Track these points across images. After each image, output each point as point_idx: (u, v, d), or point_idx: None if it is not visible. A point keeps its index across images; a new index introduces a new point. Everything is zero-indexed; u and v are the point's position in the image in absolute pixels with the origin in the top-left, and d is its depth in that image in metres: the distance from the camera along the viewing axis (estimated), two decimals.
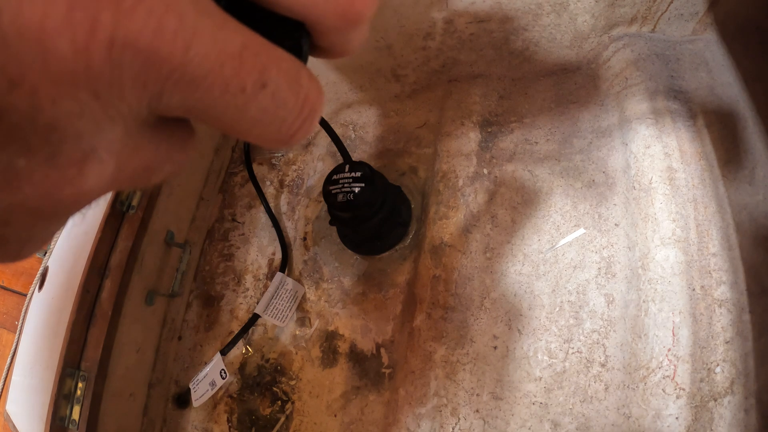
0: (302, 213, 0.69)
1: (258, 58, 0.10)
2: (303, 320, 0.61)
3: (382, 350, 0.56)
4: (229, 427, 0.58)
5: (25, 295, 0.68)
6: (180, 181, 0.66)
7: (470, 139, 0.59)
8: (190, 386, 0.58)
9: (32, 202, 0.10)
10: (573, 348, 0.46)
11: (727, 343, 0.40)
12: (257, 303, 0.61)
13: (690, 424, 0.38)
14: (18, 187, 0.09)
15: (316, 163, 0.72)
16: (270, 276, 0.66)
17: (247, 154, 0.69)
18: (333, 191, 0.52)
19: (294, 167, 0.74)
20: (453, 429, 0.46)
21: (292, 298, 0.61)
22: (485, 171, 0.57)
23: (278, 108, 0.11)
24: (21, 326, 0.65)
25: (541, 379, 0.46)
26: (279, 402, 0.58)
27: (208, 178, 0.74)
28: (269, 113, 0.11)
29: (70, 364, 0.51)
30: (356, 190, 0.51)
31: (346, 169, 0.52)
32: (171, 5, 0.09)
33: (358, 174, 0.51)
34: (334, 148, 0.65)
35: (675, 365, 0.40)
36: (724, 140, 0.48)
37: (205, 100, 0.10)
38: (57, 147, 0.09)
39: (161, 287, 0.64)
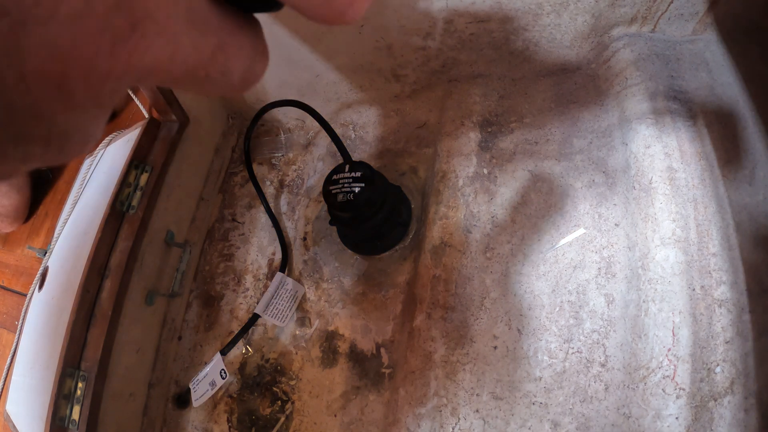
0: (302, 213, 0.69)
1: (226, 55, 0.12)
2: (303, 320, 0.61)
3: (382, 350, 0.56)
4: (229, 427, 0.58)
5: (25, 295, 0.68)
6: (180, 181, 0.66)
7: (470, 139, 0.59)
8: (190, 386, 0.58)
9: (42, 166, 0.12)
10: (573, 348, 0.46)
11: (727, 343, 0.40)
12: (257, 303, 0.61)
13: (690, 424, 0.38)
14: (32, 164, 0.11)
15: (316, 163, 0.72)
16: (270, 276, 0.66)
17: (247, 154, 0.69)
18: (333, 191, 0.52)
19: (294, 167, 0.74)
20: (453, 429, 0.46)
21: (292, 298, 0.61)
22: (485, 171, 0.57)
23: (229, 82, 0.13)
24: (21, 326, 0.65)
25: (541, 379, 0.46)
26: (279, 402, 0.58)
27: (208, 178, 0.74)
28: (222, 84, 0.13)
29: (70, 364, 0.51)
30: (356, 190, 0.51)
31: (346, 169, 0.52)
32: (165, 30, 0.10)
33: (358, 174, 0.51)
34: (334, 148, 0.65)
35: (675, 365, 0.40)
36: (724, 140, 0.48)
37: (174, 83, 0.12)
38: (66, 142, 0.11)
39: (161, 287, 0.64)
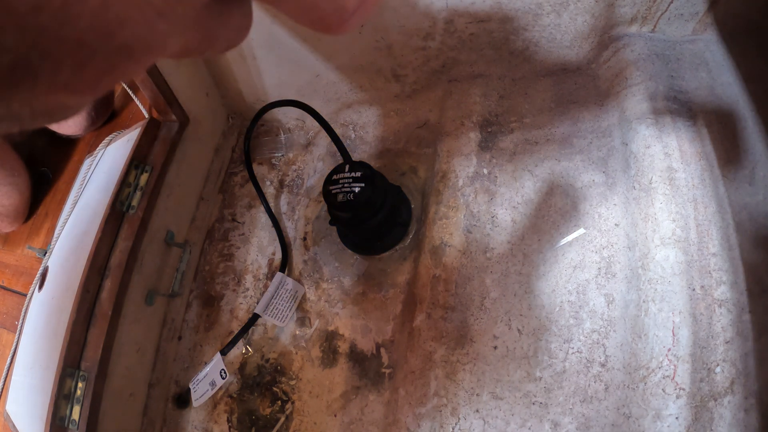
0: (302, 213, 0.69)
1: (210, 42, 0.13)
2: (303, 320, 0.61)
3: (382, 350, 0.56)
4: (229, 427, 0.58)
5: (25, 295, 0.68)
6: (180, 181, 0.66)
7: (470, 139, 0.59)
8: (190, 386, 0.58)
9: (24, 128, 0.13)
10: (573, 348, 0.46)
11: (727, 343, 0.40)
12: (257, 303, 0.61)
13: (690, 424, 0.38)
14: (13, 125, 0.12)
15: (316, 163, 0.72)
16: (270, 276, 0.66)
17: (247, 154, 0.69)
18: (333, 191, 0.52)
19: (294, 167, 0.74)
20: (453, 429, 0.46)
21: (292, 298, 0.61)
22: (485, 171, 0.57)
23: (207, 55, 0.14)
24: (21, 326, 0.65)
25: (541, 379, 0.46)
26: (279, 402, 0.58)
27: (208, 178, 0.74)
28: (200, 56, 0.14)
29: (70, 364, 0.51)
30: (356, 190, 0.51)
31: (346, 169, 0.52)
32: (161, 49, 0.11)
33: (358, 174, 0.51)
34: (334, 148, 0.65)
35: (675, 365, 0.40)
36: (724, 140, 0.48)
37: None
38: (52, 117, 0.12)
39: (161, 287, 0.64)
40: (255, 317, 0.60)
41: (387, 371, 0.54)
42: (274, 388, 0.59)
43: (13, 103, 0.10)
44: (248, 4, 0.14)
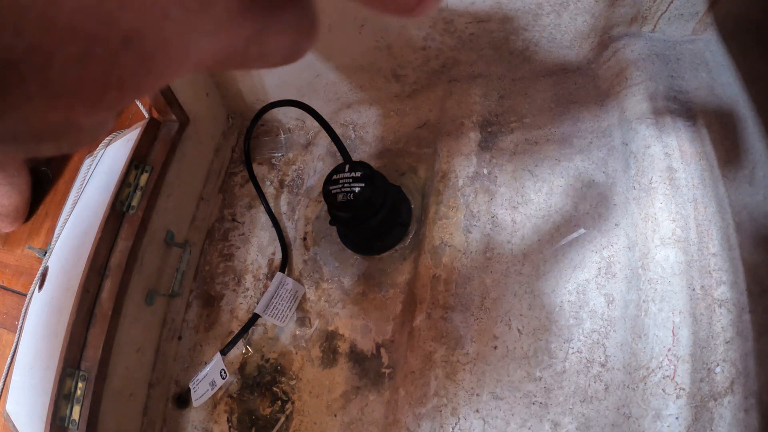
0: (302, 213, 0.69)
1: (262, 43, 0.12)
2: (303, 320, 0.61)
3: (382, 350, 0.56)
4: (229, 427, 0.58)
5: (25, 295, 0.68)
6: (180, 181, 0.66)
7: (470, 139, 0.59)
8: (190, 386, 0.58)
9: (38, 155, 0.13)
10: (573, 348, 0.46)
11: (727, 343, 0.40)
12: (257, 303, 0.61)
13: (690, 424, 0.38)
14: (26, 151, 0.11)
15: (316, 163, 0.72)
16: (270, 276, 0.66)
17: (247, 154, 0.69)
18: (333, 191, 0.52)
19: (294, 167, 0.74)
20: (453, 429, 0.46)
21: (292, 298, 0.61)
22: (485, 171, 0.57)
23: (267, 64, 0.13)
24: (21, 326, 0.65)
25: (541, 379, 0.46)
26: (279, 402, 0.58)
27: (208, 178, 0.74)
28: (260, 65, 0.13)
29: (70, 364, 0.51)
30: (356, 190, 0.51)
31: (346, 169, 0.52)
32: (186, 51, 0.10)
33: (358, 174, 0.51)
34: (334, 148, 0.65)
35: (675, 365, 0.40)
36: (724, 140, 0.48)
37: (201, 71, 0.12)
38: (68, 141, 0.11)
39: (161, 287, 0.64)
40: (255, 317, 0.60)
41: (387, 371, 0.54)
42: (274, 388, 0.59)
43: (6, 116, 0.08)
44: (308, 2, 0.12)
